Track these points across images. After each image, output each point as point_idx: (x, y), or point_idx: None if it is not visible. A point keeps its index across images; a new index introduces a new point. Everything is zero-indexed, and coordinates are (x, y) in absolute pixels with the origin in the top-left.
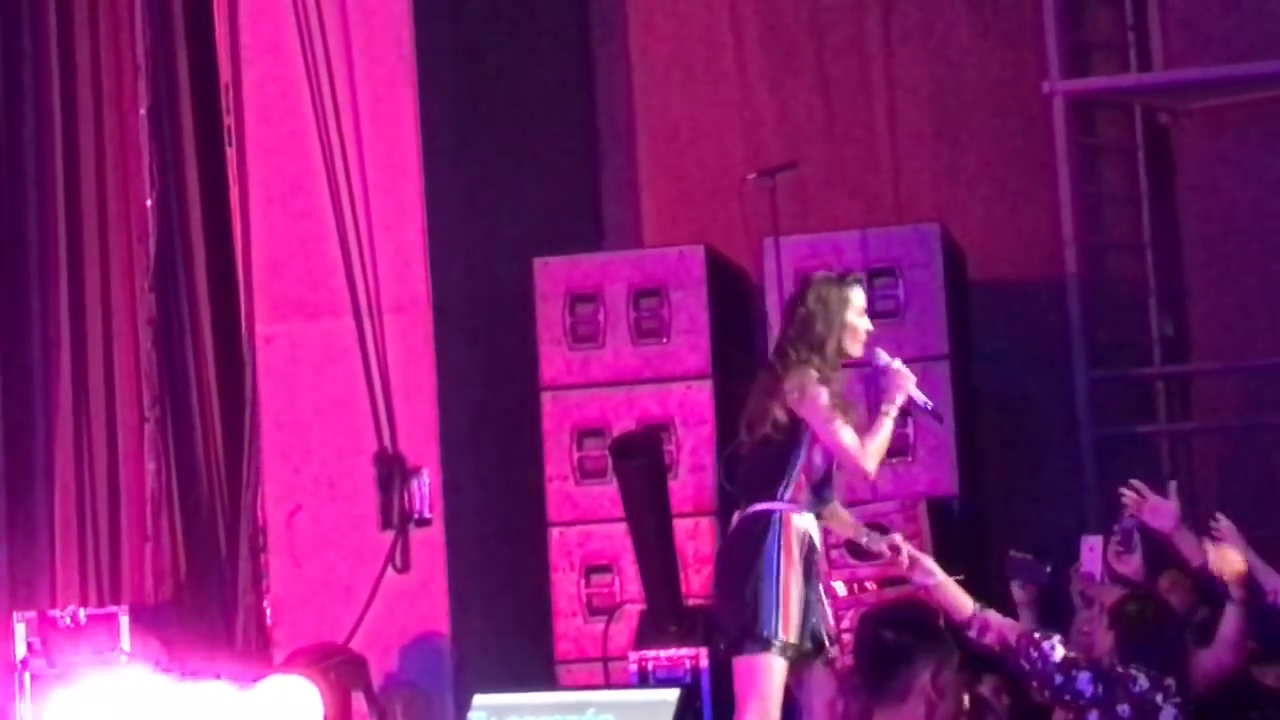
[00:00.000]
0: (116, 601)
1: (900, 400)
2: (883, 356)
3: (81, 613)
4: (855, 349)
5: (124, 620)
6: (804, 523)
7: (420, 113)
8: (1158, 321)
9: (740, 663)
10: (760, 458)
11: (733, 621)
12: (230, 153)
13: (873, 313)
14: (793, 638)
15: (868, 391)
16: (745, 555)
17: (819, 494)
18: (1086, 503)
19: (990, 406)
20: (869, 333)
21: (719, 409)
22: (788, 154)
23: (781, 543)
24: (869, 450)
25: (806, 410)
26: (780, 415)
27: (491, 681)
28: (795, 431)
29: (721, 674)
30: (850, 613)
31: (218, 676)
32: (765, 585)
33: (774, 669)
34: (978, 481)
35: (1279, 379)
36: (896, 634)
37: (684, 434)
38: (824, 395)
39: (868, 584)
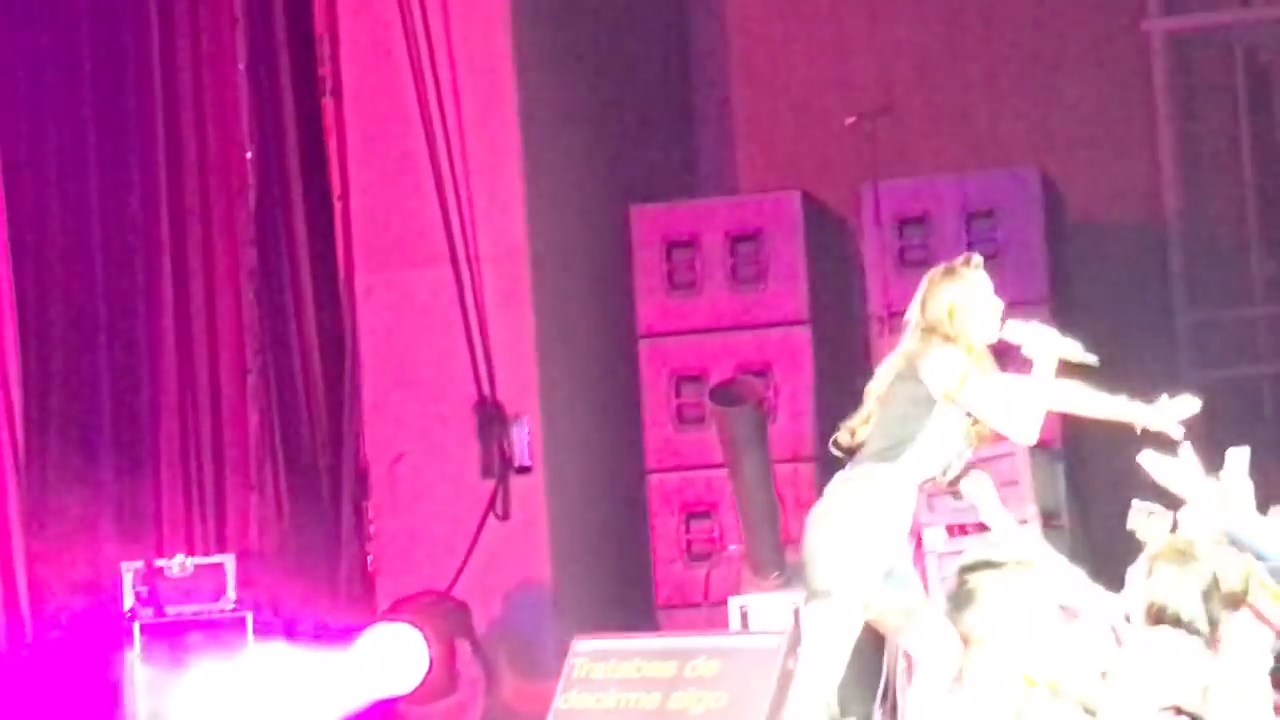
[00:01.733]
0: (222, 550)
1: (1052, 364)
2: (1013, 332)
3: (189, 561)
4: (993, 333)
5: (230, 569)
6: (909, 491)
7: (517, 61)
8: (1259, 262)
9: (821, 610)
10: (884, 425)
11: (823, 573)
12: (327, 103)
13: None
14: (875, 594)
15: None
16: (848, 509)
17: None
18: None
19: (1089, 350)
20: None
21: (817, 354)
22: (883, 99)
23: (884, 502)
24: (1028, 416)
25: (958, 389)
26: (915, 392)
27: (593, 627)
28: (927, 409)
29: None
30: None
31: (322, 624)
32: (863, 541)
33: (854, 624)
34: (1078, 426)
35: None
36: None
37: (782, 380)
38: (972, 371)
39: (968, 528)
